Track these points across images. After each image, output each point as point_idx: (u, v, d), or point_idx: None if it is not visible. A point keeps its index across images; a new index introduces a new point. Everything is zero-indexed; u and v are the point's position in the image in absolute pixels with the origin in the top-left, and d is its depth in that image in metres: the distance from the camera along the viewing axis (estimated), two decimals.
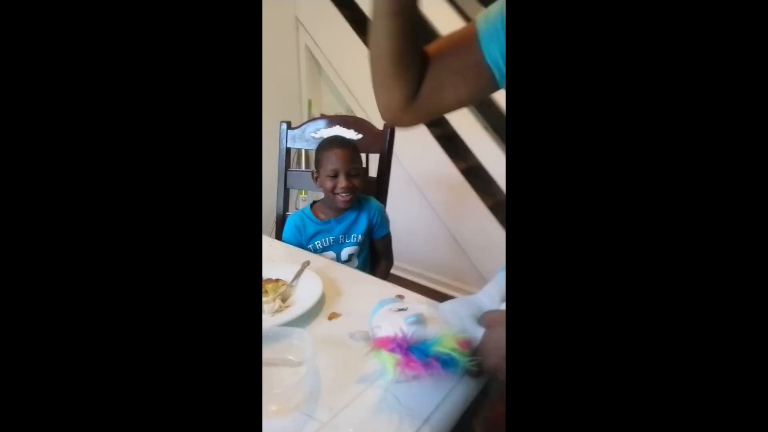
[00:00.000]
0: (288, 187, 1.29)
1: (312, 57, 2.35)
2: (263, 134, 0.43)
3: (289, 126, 1.27)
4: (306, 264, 0.82)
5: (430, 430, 0.47)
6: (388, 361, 0.48)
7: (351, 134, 1.19)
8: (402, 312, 0.54)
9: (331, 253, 1.06)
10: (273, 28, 2.16)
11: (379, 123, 1.19)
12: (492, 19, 0.50)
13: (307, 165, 2.23)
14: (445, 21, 1.83)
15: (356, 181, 1.01)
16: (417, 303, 0.63)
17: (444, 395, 0.51)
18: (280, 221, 1.27)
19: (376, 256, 1.17)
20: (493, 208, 1.97)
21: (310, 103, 2.46)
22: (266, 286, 0.74)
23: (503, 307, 0.54)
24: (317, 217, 1.07)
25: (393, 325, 0.51)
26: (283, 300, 0.72)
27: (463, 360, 0.48)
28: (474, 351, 0.49)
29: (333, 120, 1.24)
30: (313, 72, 2.42)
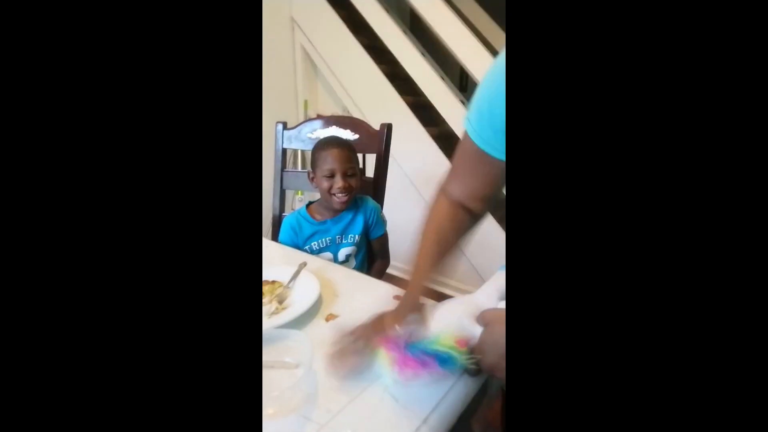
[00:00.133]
0: (284, 187, 1.29)
1: (308, 57, 2.34)
2: None
3: (285, 126, 1.27)
4: (303, 265, 0.82)
5: (429, 430, 0.47)
6: (385, 360, 0.48)
7: (347, 134, 1.19)
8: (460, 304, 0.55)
9: (328, 254, 1.06)
10: (268, 28, 2.15)
11: (375, 123, 1.19)
12: (476, 107, 0.53)
13: (304, 165, 2.22)
14: (444, 21, 1.83)
15: (353, 182, 1.01)
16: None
17: (442, 395, 0.51)
18: (277, 222, 1.26)
19: (373, 257, 1.17)
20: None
21: (306, 103, 2.46)
22: (263, 288, 0.74)
23: (501, 305, 0.54)
24: (313, 217, 1.07)
25: (452, 313, 0.52)
26: (280, 302, 0.72)
27: (461, 358, 0.48)
28: (472, 349, 0.49)
29: (329, 120, 1.24)
30: (309, 72, 2.41)
